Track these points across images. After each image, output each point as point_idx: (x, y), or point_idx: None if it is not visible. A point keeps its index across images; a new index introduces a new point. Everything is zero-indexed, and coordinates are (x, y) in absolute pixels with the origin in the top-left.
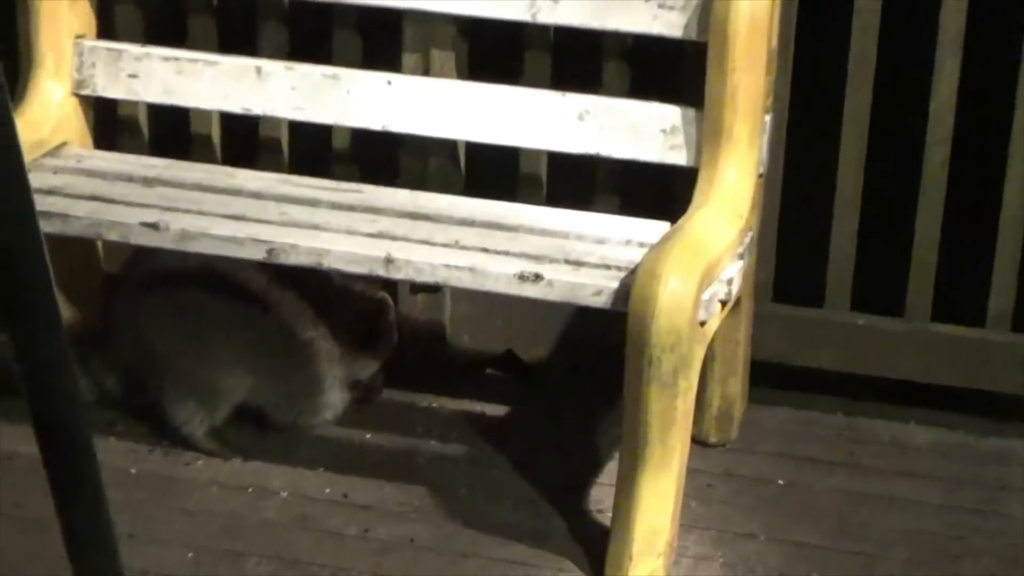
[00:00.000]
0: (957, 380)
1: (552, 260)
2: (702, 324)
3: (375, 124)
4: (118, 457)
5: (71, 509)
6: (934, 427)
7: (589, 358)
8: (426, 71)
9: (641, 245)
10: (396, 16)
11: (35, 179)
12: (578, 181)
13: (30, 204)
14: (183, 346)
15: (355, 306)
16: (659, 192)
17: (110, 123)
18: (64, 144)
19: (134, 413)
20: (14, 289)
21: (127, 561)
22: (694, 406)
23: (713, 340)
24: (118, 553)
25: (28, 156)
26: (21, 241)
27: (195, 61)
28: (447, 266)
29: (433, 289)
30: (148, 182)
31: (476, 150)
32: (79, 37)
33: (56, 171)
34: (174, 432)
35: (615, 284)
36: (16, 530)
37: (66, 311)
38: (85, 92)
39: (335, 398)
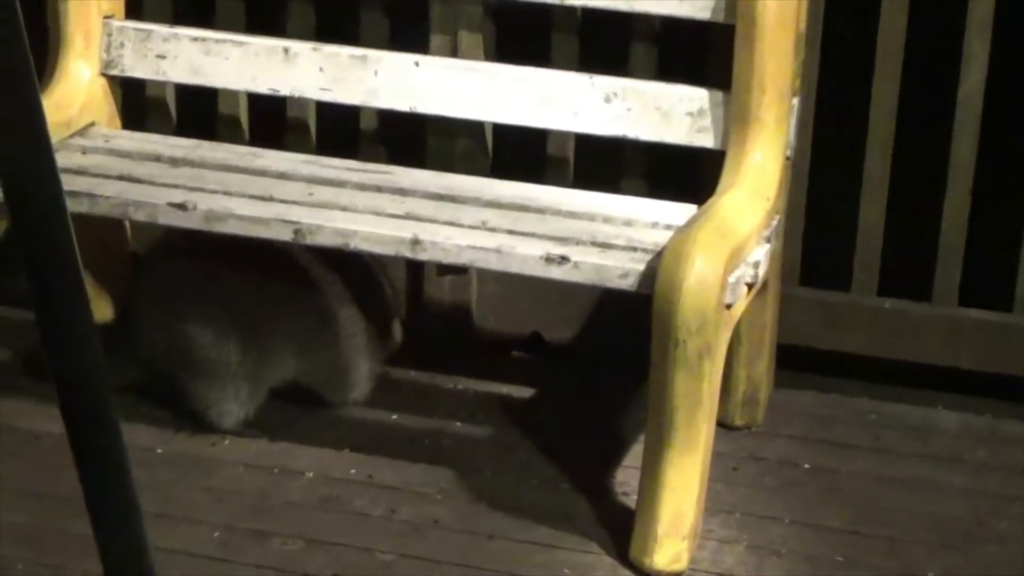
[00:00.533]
0: (984, 365)
1: (579, 242)
2: (728, 307)
3: (402, 105)
4: (144, 437)
5: (97, 487)
6: (960, 411)
7: (615, 340)
8: (454, 52)
9: (668, 227)
10: None
11: (63, 159)
12: (605, 163)
13: (57, 184)
14: (223, 330)
15: (380, 289)
16: (686, 174)
17: (138, 103)
18: (92, 124)
19: (159, 394)
20: (41, 270)
21: (153, 540)
22: (719, 389)
23: (739, 323)
24: (144, 532)
25: (56, 136)
26: (48, 221)
27: (223, 42)
28: (474, 248)
29: (459, 270)
30: (175, 162)
31: (503, 131)
32: (107, 17)
33: (84, 151)
34: (204, 416)
35: (641, 266)
36: (43, 508)
37: (92, 292)
38: (113, 72)
39: (366, 373)
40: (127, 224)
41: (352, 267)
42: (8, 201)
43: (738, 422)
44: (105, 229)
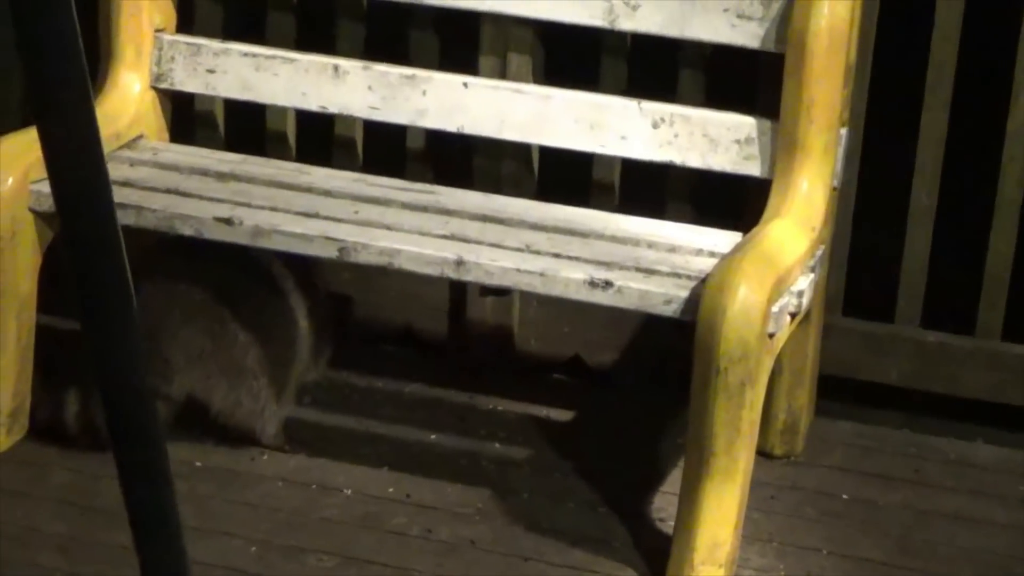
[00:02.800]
0: None
1: (623, 267)
2: (771, 336)
3: (450, 126)
4: (183, 450)
5: (139, 499)
6: (1001, 446)
7: (656, 366)
8: (503, 74)
9: (712, 255)
10: (474, 18)
11: (111, 171)
12: (651, 188)
13: (109, 196)
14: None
15: (326, 300)
16: (732, 202)
17: (187, 117)
18: (141, 137)
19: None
20: (90, 280)
21: (190, 553)
22: (760, 418)
23: (781, 352)
24: (184, 546)
25: (105, 148)
26: (99, 233)
27: (273, 58)
28: (518, 270)
29: (502, 292)
30: (222, 177)
31: (550, 154)
32: (159, 31)
33: (132, 163)
34: (237, 428)
35: (685, 293)
36: (82, 519)
37: None
38: (163, 86)
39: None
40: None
41: (308, 276)
42: (61, 212)
43: (777, 451)
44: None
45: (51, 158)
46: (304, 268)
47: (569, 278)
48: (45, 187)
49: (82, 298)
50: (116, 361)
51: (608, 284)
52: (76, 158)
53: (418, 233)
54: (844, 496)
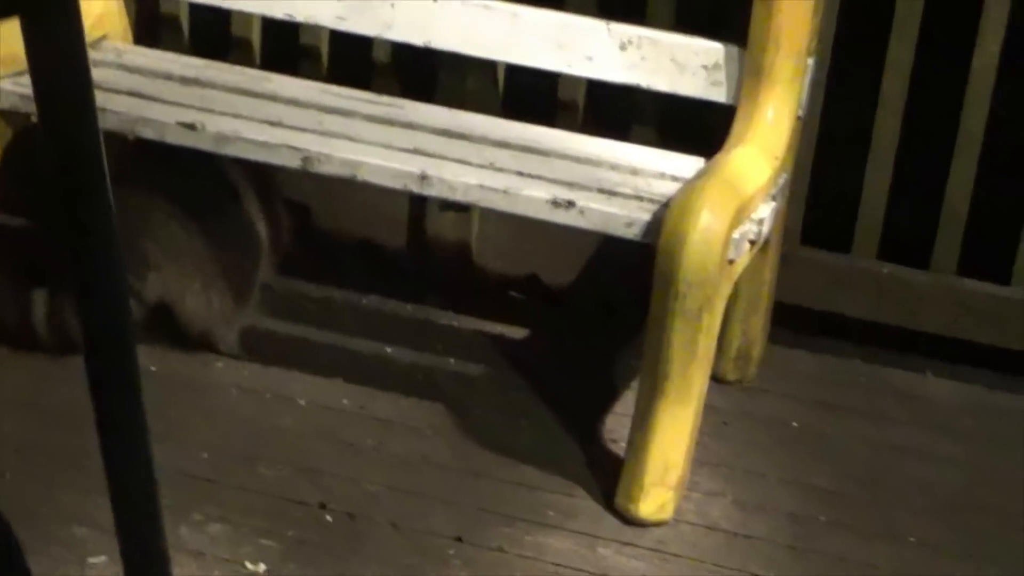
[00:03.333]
0: (979, 335)
1: (585, 188)
2: (730, 262)
3: (417, 39)
4: (139, 354)
5: (108, 403)
6: (953, 380)
7: (614, 288)
8: None
9: (675, 179)
10: None
11: None
12: (616, 111)
13: (91, 95)
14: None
15: (282, 207)
16: (696, 127)
17: (151, 19)
18: (104, 37)
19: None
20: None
21: None
22: (716, 343)
23: (739, 279)
24: (150, 449)
25: None
26: (80, 132)
27: None
28: (481, 187)
29: (462, 208)
30: (186, 81)
31: (516, 72)
32: None
33: (95, 64)
34: (201, 331)
35: (647, 216)
36: (35, 420)
37: None
38: None
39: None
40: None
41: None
42: (41, 110)
43: (731, 377)
44: (112, 144)
45: (33, 54)
46: (263, 175)
47: (532, 197)
48: (4, 83)
49: (63, 198)
50: (94, 263)
51: (571, 204)
52: (58, 56)
53: (382, 146)
54: (795, 424)
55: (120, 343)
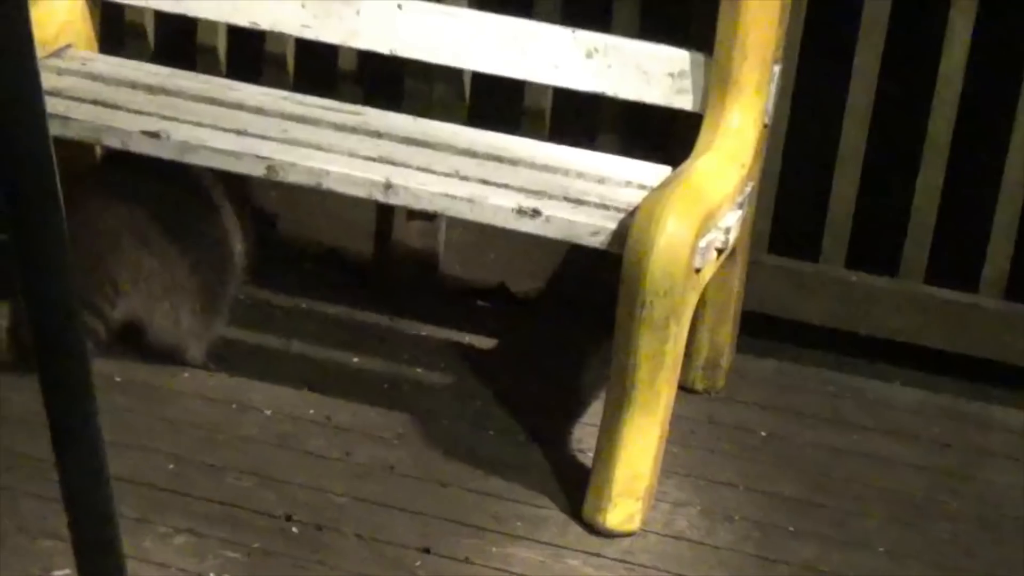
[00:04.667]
0: (946, 343)
1: (551, 196)
2: (697, 271)
3: (383, 47)
4: (103, 364)
5: (61, 413)
6: (919, 388)
7: (580, 297)
8: None
9: (641, 187)
10: None
11: None
12: (582, 119)
13: (40, 105)
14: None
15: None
16: (662, 135)
17: (116, 28)
18: (68, 46)
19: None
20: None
21: None
22: (683, 352)
23: (706, 288)
24: (105, 459)
25: None
26: (29, 142)
27: None
28: (446, 195)
29: (429, 216)
30: (151, 90)
31: (482, 80)
32: None
33: (59, 72)
34: (169, 346)
35: (613, 225)
36: (9, 433)
37: None
38: None
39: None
40: (97, 149)
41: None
42: None
43: (699, 386)
44: (76, 153)
45: None
46: (238, 187)
47: (498, 205)
48: None
49: (10, 208)
50: (42, 272)
51: (536, 213)
52: (8, 62)
53: (347, 154)
54: (762, 433)
55: (71, 352)
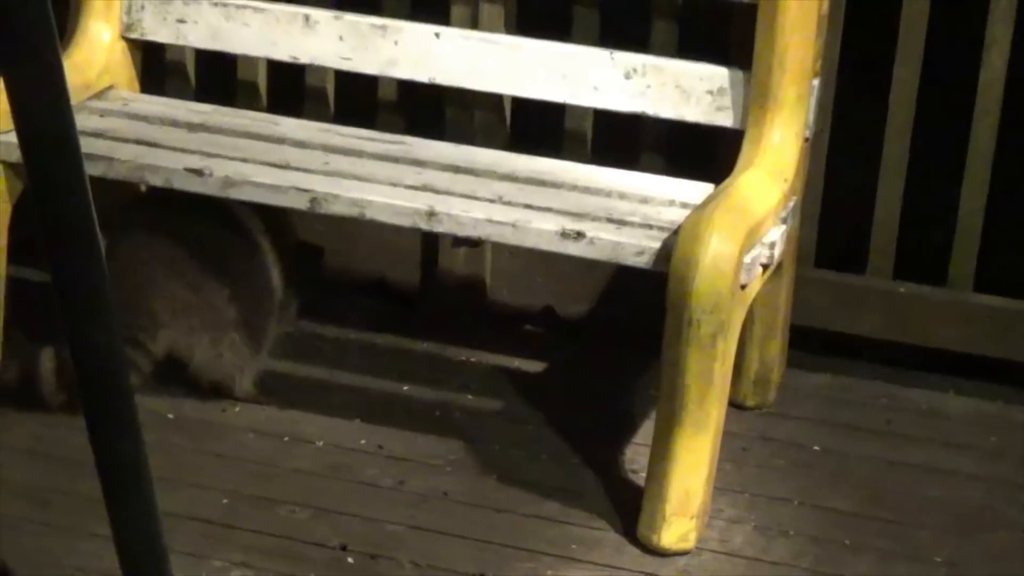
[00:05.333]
0: (997, 351)
1: (595, 218)
2: (743, 287)
3: (422, 76)
4: (154, 402)
5: (108, 452)
6: (972, 397)
7: (628, 317)
8: (474, 24)
9: (684, 206)
10: None
11: (81, 121)
12: (623, 140)
13: (76, 147)
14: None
15: (297, 250)
16: (704, 153)
17: (157, 67)
18: (111, 87)
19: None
20: (58, 232)
21: (160, 504)
22: (732, 369)
23: (753, 303)
24: (154, 497)
25: (75, 98)
26: (66, 181)
27: (243, 7)
28: (489, 221)
29: (474, 243)
30: (193, 127)
31: (522, 105)
32: None
33: (102, 114)
34: (214, 381)
35: (657, 244)
36: (53, 470)
37: None
38: (133, 36)
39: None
40: (143, 188)
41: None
42: (27, 161)
43: (750, 402)
44: (122, 193)
45: (17, 108)
46: (277, 218)
47: (541, 229)
48: (10, 137)
49: (50, 250)
50: (84, 312)
51: (580, 235)
52: (43, 108)
53: (389, 184)
54: (815, 447)
55: (115, 390)
